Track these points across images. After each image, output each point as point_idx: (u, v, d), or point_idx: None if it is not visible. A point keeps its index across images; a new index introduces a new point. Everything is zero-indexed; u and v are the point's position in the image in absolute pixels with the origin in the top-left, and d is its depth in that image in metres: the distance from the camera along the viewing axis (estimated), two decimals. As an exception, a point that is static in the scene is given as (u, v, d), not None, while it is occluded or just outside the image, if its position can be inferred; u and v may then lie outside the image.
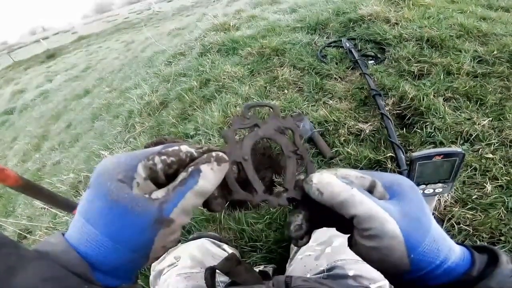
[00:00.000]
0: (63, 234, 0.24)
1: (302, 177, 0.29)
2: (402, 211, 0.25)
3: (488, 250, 0.26)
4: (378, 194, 0.27)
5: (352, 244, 0.27)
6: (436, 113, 1.23)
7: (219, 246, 0.77)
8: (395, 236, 0.24)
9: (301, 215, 0.28)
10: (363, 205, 0.24)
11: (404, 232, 0.24)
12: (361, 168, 1.10)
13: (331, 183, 0.25)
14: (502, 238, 0.84)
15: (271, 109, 0.33)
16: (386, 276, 0.28)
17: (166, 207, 0.23)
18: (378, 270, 0.28)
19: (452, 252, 0.25)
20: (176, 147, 0.25)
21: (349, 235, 0.28)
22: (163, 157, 0.24)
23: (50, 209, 1.74)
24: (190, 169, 0.24)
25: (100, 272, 0.23)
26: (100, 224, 0.22)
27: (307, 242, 0.29)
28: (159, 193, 0.24)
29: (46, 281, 0.20)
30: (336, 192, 0.25)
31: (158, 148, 0.25)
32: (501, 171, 0.99)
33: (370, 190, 0.27)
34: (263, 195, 0.29)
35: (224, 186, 0.27)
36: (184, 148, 0.25)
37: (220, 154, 0.26)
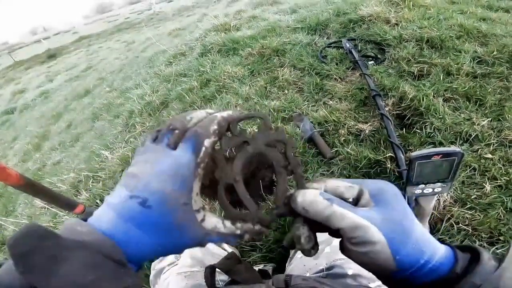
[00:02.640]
0: (84, 220, 0.26)
1: (292, 191, 0.30)
2: (384, 217, 0.27)
3: (471, 248, 0.28)
4: (364, 202, 0.29)
5: (343, 249, 0.30)
6: (436, 113, 1.23)
7: (219, 245, 0.77)
8: (378, 241, 0.26)
9: (306, 226, 0.29)
10: (346, 218, 0.27)
11: (387, 236, 0.26)
12: (361, 168, 1.11)
13: (314, 201, 0.28)
14: (501, 238, 0.84)
15: (261, 121, 0.32)
16: (377, 276, 0.31)
17: (208, 239, 0.27)
18: (369, 271, 0.30)
19: (436, 251, 0.27)
20: (204, 149, 0.27)
21: (340, 239, 0.30)
22: (202, 165, 0.27)
23: (50, 208, 1.74)
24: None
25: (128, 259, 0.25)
26: (158, 237, 0.25)
27: (317, 250, 0.31)
28: (208, 223, 0.27)
29: (90, 268, 0.22)
30: (319, 210, 0.28)
31: (193, 157, 0.27)
32: (500, 171, 1.00)
33: (358, 197, 0.29)
34: (255, 213, 0.29)
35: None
36: (208, 143, 0.27)
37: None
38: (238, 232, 0.29)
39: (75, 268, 0.21)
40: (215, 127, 0.28)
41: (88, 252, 0.22)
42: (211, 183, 0.30)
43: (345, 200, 0.29)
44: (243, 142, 0.30)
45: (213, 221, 0.27)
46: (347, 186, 0.30)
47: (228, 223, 0.28)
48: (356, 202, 0.29)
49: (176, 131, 0.27)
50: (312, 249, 0.30)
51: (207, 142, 0.27)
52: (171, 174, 0.25)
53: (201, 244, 0.27)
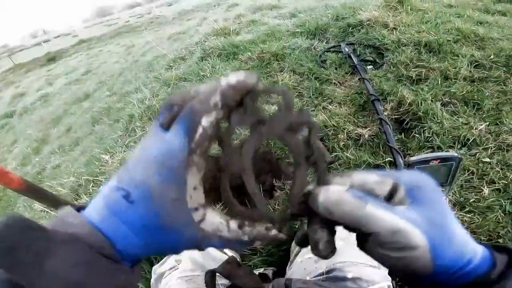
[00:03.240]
0: (77, 210, 0.23)
1: (310, 187, 0.25)
2: (426, 218, 0.23)
3: (508, 250, 0.25)
4: (399, 199, 0.24)
5: (368, 251, 0.25)
6: (434, 118, 1.24)
7: (219, 249, 0.78)
8: (420, 246, 0.22)
9: (326, 230, 0.25)
10: (383, 221, 0.22)
11: (430, 241, 0.22)
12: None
13: (341, 201, 0.23)
14: (500, 240, 0.85)
15: (281, 98, 0.25)
16: (404, 279, 0.28)
17: (207, 244, 0.23)
18: (398, 275, 0.28)
19: (475, 253, 0.24)
20: (201, 129, 0.21)
21: (358, 235, 0.26)
22: (199, 151, 0.21)
23: (50, 211, 1.74)
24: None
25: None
26: (146, 238, 0.22)
27: (334, 253, 0.26)
28: (209, 224, 0.23)
29: (79, 265, 0.20)
30: (348, 211, 0.23)
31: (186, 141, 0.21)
32: (498, 175, 1.00)
33: (392, 194, 0.25)
34: (264, 213, 0.24)
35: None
36: (206, 122, 0.21)
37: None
38: (246, 238, 0.23)
39: (65, 264, 0.20)
40: (217, 98, 0.21)
41: (79, 247, 0.21)
42: (215, 182, 0.25)
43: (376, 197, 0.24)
44: (258, 122, 0.24)
45: (215, 222, 0.23)
46: (378, 181, 0.25)
47: (233, 225, 0.23)
48: (388, 199, 0.25)
49: (174, 108, 0.22)
50: (330, 253, 0.25)
51: (205, 121, 0.21)
52: (157, 163, 0.21)
53: (199, 248, 0.23)
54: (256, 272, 0.63)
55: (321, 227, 0.25)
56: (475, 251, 0.24)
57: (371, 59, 1.78)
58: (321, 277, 0.59)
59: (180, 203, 0.21)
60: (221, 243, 0.23)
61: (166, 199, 0.21)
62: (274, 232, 0.24)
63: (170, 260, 0.72)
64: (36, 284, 0.19)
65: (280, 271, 0.82)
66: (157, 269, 0.73)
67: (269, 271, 0.80)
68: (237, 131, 0.23)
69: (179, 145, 0.21)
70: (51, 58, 10.13)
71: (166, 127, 0.22)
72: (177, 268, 0.68)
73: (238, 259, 0.75)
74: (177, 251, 0.24)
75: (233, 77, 0.22)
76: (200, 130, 0.21)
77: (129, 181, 0.22)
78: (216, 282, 0.57)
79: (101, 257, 0.21)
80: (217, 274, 0.55)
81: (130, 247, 0.22)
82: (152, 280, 0.72)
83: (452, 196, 0.97)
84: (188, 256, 0.70)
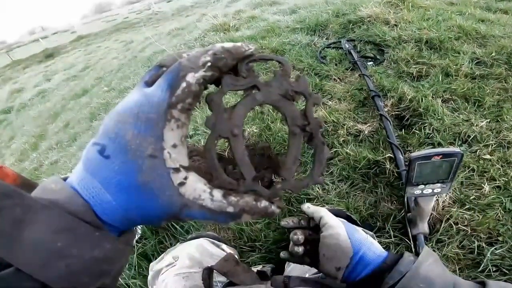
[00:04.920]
0: (64, 180, 0.22)
1: (304, 181, 0.25)
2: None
3: (400, 253, 0.44)
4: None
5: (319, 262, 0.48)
6: (435, 114, 1.23)
7: (217, 246, 0.77)
8: (338, 227, 0.47)
9: (301, 234, 0.44)
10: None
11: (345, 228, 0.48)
12: (360, 169, 1.11)
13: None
14: (500, 238, 0.84)
15: (279, 65, 0.24)
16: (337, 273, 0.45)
17: (186, 213, 0.21)
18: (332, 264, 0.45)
19: (373, 250, 0.45)
20: (184, 84, 0.20)
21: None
22: (180, 106, 0.20)
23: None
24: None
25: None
26: (120, 198, 0.20)
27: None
28: (190, 190, 0.20)
29: (59, 232, 0.19)
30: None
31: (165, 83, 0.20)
32: (499, 172, 1.00)
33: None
34: (251, 184, 0.22)
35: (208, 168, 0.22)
36: (192, 78, 0.20)
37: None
38: (231, 209, 0.21)
39: (43, 231, 0.18)
40: (208, 58, 0.21)
41: (57, 212, 0.19)
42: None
43: None
44: (252, 87, 0.23)
45: (197, 188, 0.20)
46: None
47: (217, 194, 0.21)
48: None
49: (163, 68, 0.22)
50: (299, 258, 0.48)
51: (190, 76, 0.20)
52: (134, 115, 0.20)
53: (176, 217, 0.21)
54: (255, 269, 0.62)
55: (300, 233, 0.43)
56: (373, 249, 0.45)
57: (372, 55, 1.76)
58: (320, 274, 0.58)
59: (157, 160, 0.20)
60: (203, 213, 0.21)
61: (142, 154, 0.19)
62: (264, 203, 0.22)
63: (167, 257, 0.71)
64: (14, 255, 0.18)
65: (279, 268, 0.81)
66: (154, 266, 0.72)
67: (268, 269, 0.80)
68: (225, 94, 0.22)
69: (159, 98, 0.20)
70: (49, 55, 10.06)
71: (150, 84, 0.21)
72: (175, 265, 0.67)
73: (236, 256, 0.75)
74: (155, 219, 0.21)
75: (230, 43, 0.22)
76: (183, 84, 0.20)
77: (105, 135, 0.21)
78: (214, 279, 0.56)
79: (83, 223, 0.19)
80: (215, 271, 0.54)
81: (107, 210, 0.20)
82: (149, 277, 0.71)
83: (453, 193, 0.96)
84: (186, 253, 0.70)
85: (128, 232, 0.24)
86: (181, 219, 0.21)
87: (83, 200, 0.20)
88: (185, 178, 0.20)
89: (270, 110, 1.47)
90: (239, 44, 0.22)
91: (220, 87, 0.22)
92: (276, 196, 0.23)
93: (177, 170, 0.20)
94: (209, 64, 0.20)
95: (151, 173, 0.20)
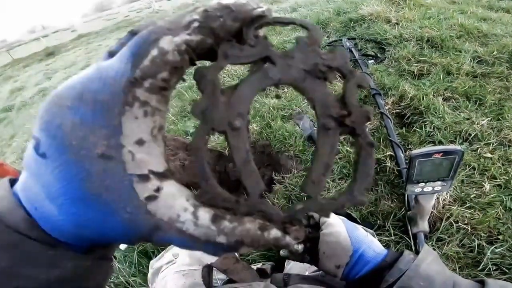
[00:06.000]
0: (12, 182, 0.18)
1: (343, 200, 0.16)
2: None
3: (400, 251, 0.43)
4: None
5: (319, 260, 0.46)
6: (436, 112, 1.23)
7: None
8: (339, 225, 0.47)
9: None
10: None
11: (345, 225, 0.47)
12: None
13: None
14: (500, 237, 0.84)
15: (304, 31, 0.17)
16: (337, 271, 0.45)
17: (159, 237, 0.15)
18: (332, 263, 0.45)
19: (373, 248, 0.45)
20: (155, 51, 0.14)
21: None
22: (148, 83, 0.14)
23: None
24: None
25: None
26: (67, 211, 0.15)
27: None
28: (165, 206, 0.14)
29: (3, 249, 0.15)
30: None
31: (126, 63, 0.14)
32: (500, 170, 0.99)
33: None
34: (257, 201, 0.15)
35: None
36: (168, 43, 0.14)
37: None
38: (222, 239, 0.14)
39: None
40: (195, 17, 0.14)
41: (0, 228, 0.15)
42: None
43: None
44: (263, 60, 0.16)
45: (175, 205, 0.14)
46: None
47: (204, 216, 0.14)
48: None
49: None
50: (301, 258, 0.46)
51: (166, 41, 0.14)
52: (75, 96, 0.14)
53: (149, 241, 0.15)
54: (254, 267, 0.62)
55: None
56: (374, 248, 0.45)
57: (373, 53, 1.76)
58: (320, 272, 0.58)
59: (112, 163, 0.14)
60: (183, 240, 0.15)
61: (89, 153, 0.14)
62: (274, 233, 0.15)
63: (167, 255, 0.71)
64: None
65: (279, 266, 0.81)
66: (154, 263, 0.72)
67: (268, 266, 0.80)
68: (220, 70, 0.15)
69: (116, 71, 0.14)
70: (50, 53, 10.06)
71: (112, 54, 0.15)
72: (174, 263, 0.67)
73: (236, 254, 0.75)
74: (122, 240, 0.16)
75: (233, 2, 0.15)
76: (154, 52, 0.13)
77: (39, 125, 0.15)
78: (214, 277, 0.56)
79: (27, 240, 0.16)
80: (214, 268, 0.54)
81: (55, 226, 0.16)
82: (149, 275, 0.72)
83: (453, 191, 0.96)
84: (186, 251, 0.69)
85: (104, 248, 0.19)
86: (153, 242, 0.15)
87: (24, 212, 0.16)
88: (157, 190, 0.14)
89: (271, 108, 1.47)
90: (243, 0, 0.15)
91: (216, 61, 0.15)
92: (293, 222, 0.16)
93: (144, 178, 0.14)
94: (196, 24, 0.14)
95: (104, 182, 0.14)
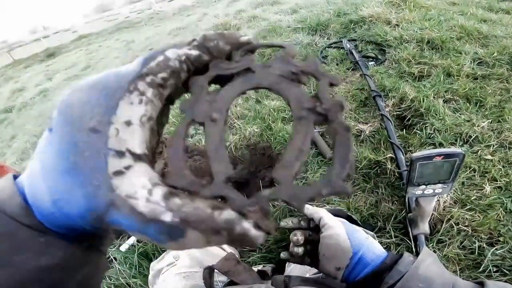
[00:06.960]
0: (15, 177, 0.19)
1: (323, 190, 0.15)
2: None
3: (400, 253, 0.44)
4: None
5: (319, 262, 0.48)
6: (436, 114, 1.23)
7: (219, 246, 0.77)
8: (337, 227, 0.48)
9: (300, 235, 0.49)
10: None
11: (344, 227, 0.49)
12: (361, 169, 1.11)
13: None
14: (501, 239, 0.84)
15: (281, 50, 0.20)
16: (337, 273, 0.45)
17: (110, 217, 0.15)
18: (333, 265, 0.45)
19: (373, 250, 0.45)
20: (161, 57, 0.17)
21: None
22: (149, 78, 0.17)
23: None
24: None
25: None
26: (48, 176, 0.16)
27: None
28: (127, 183, 0.14)
29: (1, 237, 0.16)
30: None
31: (138, 66, 0.17)
32: (500, 172, 0.99)
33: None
34: (221, 186, 0.15)
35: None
36: (172, 53, 0.18)
37: None
38: (167, 216, 0.13)
39: None
40: (196, 39, 0.19)
41: None
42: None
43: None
44: (245, 70, 0.19)
45: (136, 183, 0.14)
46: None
47: (158, 192, 0.14)
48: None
49: None
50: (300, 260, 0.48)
51: (171, 51, 0.17)
52: (92, 84, 0.17)
53: (102, 221, 0.15)
54: (255, 269, 0.62)
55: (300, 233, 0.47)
56: (374, 251, 0.45)
57: (373, 55, 1.76)
58: (320, 274, 0.58)
59: (97, 136, 0.15)
60: (131, 220, 0.14)
61: (83, 126, 0.15)
62: (228, 214, 0.13)
63: (168, 256, 0.71)
64: None
65: (279, 268, 0.81)
66: (155, 265, 0.72)
67: (268, 268, 0.80)
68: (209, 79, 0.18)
69: (127, 69, 0.17)
70: (51, 54, 10.07)
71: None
72: (175, 265, 0.67)
73: (237, 256, 0.75)
74: (78, 220, 0.16)
75: (227, 33, 0.19)
76: (160, 58, 0.17)
77: (57, 107, 0.17)
78: (214, 279, 0.56)
79: (22, 227, 0.16)
80: (215, 270, 0.54)
81: (41, 207, 0.17)
82: (149, 277, 0.71)
83: (454, 193, 0.96)
84: (186, 252, 0.70)
85: (92, 236, 0.19)
86: (106, 226, 0.15)
87: (21, 200, 0.17)
88: (127, 168, 0.14)
89: (271, 110, 1.47)
90: (239, 34, 0.20)
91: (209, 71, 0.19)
92: (256, 208, 0.14)
93: (119, 154, 0.14)
94: (195, 43, 0.18)
95: (85, 152, 0.15)
